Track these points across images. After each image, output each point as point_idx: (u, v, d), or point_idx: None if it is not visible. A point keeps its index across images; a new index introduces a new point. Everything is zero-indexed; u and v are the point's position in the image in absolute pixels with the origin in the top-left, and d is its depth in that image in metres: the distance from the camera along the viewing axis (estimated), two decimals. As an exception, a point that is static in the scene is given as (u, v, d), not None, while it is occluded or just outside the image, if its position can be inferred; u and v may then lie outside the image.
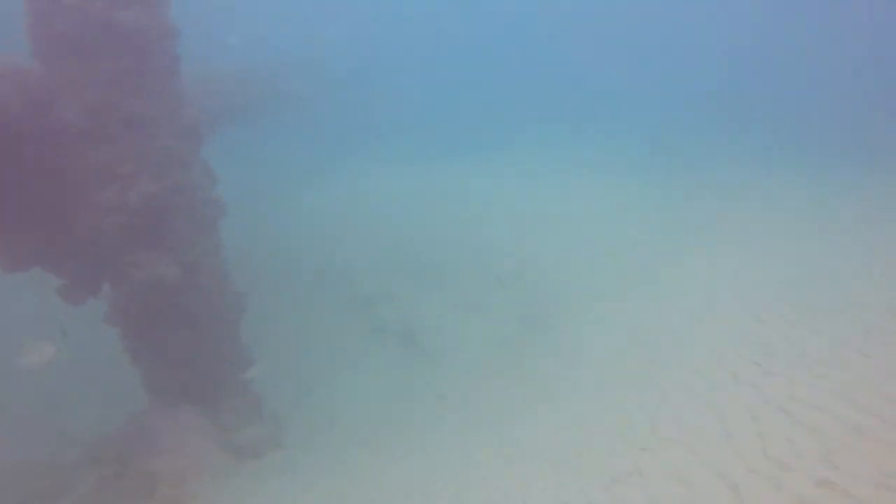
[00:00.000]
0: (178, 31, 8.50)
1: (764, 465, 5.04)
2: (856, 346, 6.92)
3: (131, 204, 8.23)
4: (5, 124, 7.30)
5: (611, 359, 8.84)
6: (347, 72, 24.80)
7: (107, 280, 9.13)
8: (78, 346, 10.05)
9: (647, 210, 15.99)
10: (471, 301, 12.83)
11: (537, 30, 43.89)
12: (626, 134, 25.33)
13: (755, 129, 24.19)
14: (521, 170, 21.77)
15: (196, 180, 9.29)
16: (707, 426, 5.95)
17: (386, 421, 10.05)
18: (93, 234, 8.52)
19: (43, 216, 8.37)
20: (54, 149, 7.97)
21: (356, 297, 14.18)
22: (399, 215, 17.27)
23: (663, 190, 17.65)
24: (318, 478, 8.73)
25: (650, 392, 7.33)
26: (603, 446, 6.38)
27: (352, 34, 27.72)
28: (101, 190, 8.28)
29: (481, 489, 6.66)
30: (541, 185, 19.66)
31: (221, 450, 9.74)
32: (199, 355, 9.89)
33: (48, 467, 9.22)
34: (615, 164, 21.52)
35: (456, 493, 6.82)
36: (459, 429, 8.73)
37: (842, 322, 7.73)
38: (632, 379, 7.93)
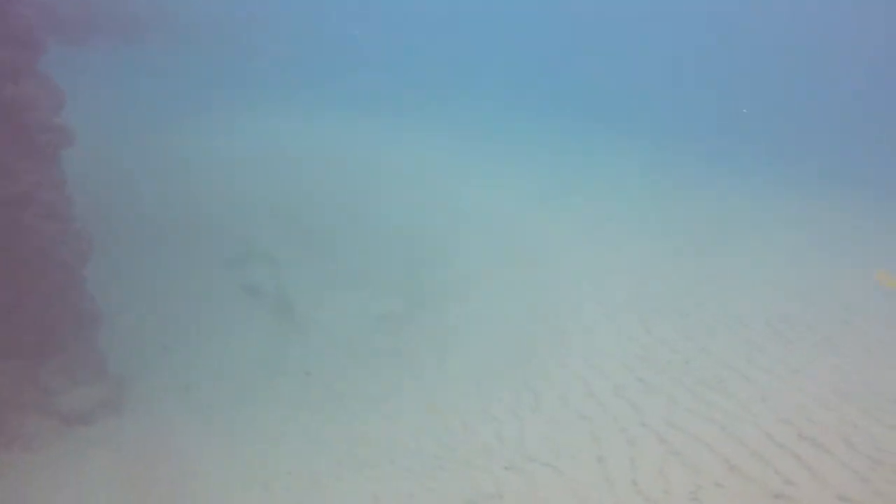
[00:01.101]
0: None
1: (632, 501, 4.56)
2: (738, 369, 6.68)
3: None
4: None
5: (490, 351, 8.28)
6: None
7: None
8: None
9: (550, 193, 15.65)
10: (357, 272, 11.92)
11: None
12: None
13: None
14: (437, 137, 20.91)
15: (29, 99, 7.69)
16: (579, 446, 5.45)
17: (245, 394, 9.04)
18: None
19: None
20: None
21: (232, 254, 12.89)
22: (293, 171, 15.91)
23: (573, 179, 17.42)
24: (151, 454, 7.61)
25: (524, 394, 6.80)
26: (466, 457, 5.75)
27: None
28: None
29: (326, 495, 5.88)
30: (458, 159, 18.91)
31: (43, 414, 8.38)
32: (25, 304, 8.41)
33: None
34: (535, 145, 21.20)
35: (298, 499, 6.00)
36: (319, 414, 7.88)
37: (727, 339, 7.52)
38: (508, 376, 7.38)
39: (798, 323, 7.95)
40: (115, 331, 10.35)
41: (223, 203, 14.35)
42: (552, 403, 6.39)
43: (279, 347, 10.42)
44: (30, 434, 8.07)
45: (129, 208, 12.91)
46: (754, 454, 5.01)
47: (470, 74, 33.37)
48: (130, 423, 8.54)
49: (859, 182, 17.50)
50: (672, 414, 5.76)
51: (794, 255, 11.00)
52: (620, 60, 36.29)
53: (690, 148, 21.86)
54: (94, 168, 12.70)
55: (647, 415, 5.81)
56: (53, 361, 8.79)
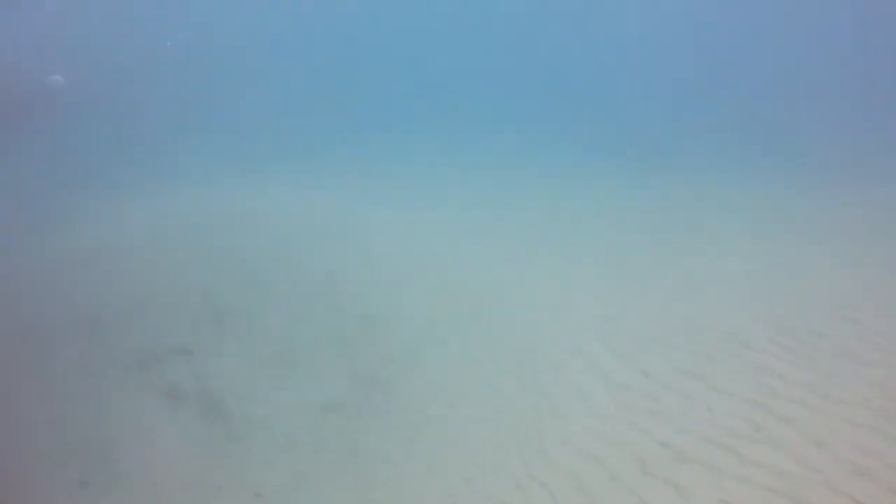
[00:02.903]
0: None
1: None
2: (767, 407, 5.66)
3: None
4: None
5: (467, 433, 6.89)
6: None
7: None
8: None
9: (477, 219, 14.58)
10: (285, 354, 10.29)
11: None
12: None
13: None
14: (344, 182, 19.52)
15: None
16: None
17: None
18: None
19: None
20: None
21: (141, 353, 10.95)
22: (188, 242, 14.04)
23: (497, 200, 16.42)
24: None
25: (533, 490, 5.48)
26: None
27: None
28: None
29: None
30: (369, 197, 17.60)
31: None
32: None
33: None
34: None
35: None
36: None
37: (734, 368, 6.54)
38: (502, 466, 6.04)
39: (803, 332, 7.11)
40: (20, 470, 8.30)
41: (116, 295, 12.36)
42: (572, 499, 5.10)
43: (217, 463, 8.61)
44: None
45: (13, 307, 10.79)
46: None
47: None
48: None
49: (794, 158, 17.53)
50: (725, 489, 4.61)
51: (767, 251, 10.30)
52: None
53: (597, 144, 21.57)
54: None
55: (695, 496, 4.63)
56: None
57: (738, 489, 4.58)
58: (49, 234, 14.87)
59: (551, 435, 6.12)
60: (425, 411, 7.51)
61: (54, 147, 22.38)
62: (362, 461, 7.16)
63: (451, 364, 8.49)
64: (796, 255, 9.94)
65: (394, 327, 10.08)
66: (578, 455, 5.66)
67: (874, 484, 4.33)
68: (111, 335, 11.31)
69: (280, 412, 9.09)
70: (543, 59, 34.73)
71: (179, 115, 27.52)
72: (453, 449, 6.62)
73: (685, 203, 14.41)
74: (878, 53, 29.25)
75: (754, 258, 10.01)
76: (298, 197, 17.68)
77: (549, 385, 7.13)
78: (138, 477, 8.65)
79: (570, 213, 14.64)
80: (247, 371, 10.13)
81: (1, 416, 9.01)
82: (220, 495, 7.91)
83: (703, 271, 9.69)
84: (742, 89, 28.41)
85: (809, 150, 19.14)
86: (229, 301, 11.82)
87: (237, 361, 10.42)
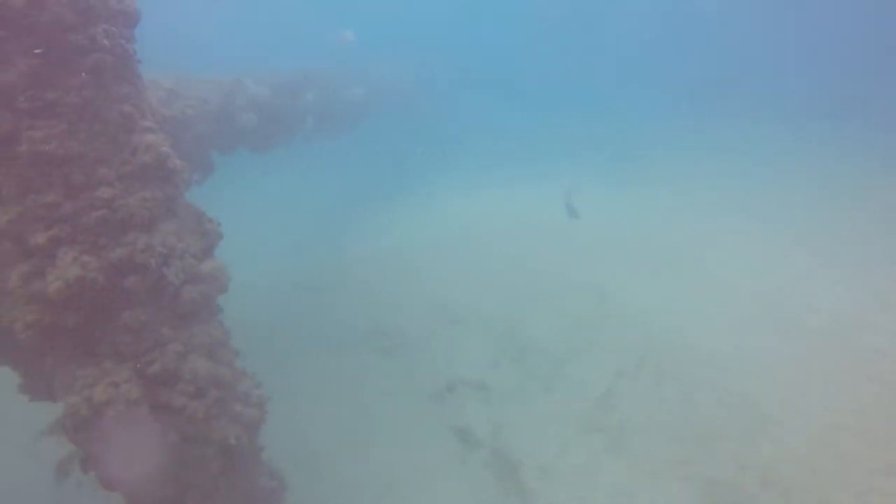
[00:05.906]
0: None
1: None
2: None
3: (49, 295, 4.72)
4: None
5: None
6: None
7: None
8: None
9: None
10: (602, 421, 8.51)
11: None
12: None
13: None
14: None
15: (169, 248, 5.65)
16: None
17: None
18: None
19: None
20: None
21: (436, 379, 10.25)
22: (499, 265, 13.04)
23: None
24: None
25: None
26: None
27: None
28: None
29: None
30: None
31: None
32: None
33: None
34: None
35: None
36: None
37: None
38: None
39: None
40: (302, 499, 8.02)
41: (411, 316, 11.89)
42: None
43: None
44: None
45: (308, 332, 10.98)
46: None
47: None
48: None
49: None
50: None
51: None
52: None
53: None
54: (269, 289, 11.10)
55: None
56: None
57: None
58: (346, 241, 15.34)
59: None
60: None
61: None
62: None
63: None
64: None
65: (778, 425, 7.59)
66: None
67: None
68: (409, 353, 10.82)
69: (590, 508, 7.35)
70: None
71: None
72: None
73: None
74: None
75: None
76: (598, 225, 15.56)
77: None
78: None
79: None
80: (551, 433, 8.61)
81: (302, 445, 8.78)
82: None
83: None
84: None
85: None
86: (535, 335, 10.51)
87: (541, 416, 8.98)
